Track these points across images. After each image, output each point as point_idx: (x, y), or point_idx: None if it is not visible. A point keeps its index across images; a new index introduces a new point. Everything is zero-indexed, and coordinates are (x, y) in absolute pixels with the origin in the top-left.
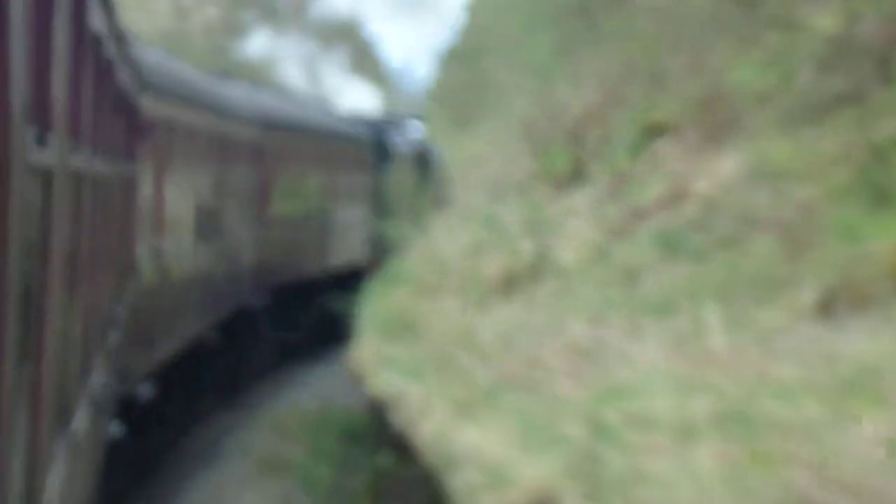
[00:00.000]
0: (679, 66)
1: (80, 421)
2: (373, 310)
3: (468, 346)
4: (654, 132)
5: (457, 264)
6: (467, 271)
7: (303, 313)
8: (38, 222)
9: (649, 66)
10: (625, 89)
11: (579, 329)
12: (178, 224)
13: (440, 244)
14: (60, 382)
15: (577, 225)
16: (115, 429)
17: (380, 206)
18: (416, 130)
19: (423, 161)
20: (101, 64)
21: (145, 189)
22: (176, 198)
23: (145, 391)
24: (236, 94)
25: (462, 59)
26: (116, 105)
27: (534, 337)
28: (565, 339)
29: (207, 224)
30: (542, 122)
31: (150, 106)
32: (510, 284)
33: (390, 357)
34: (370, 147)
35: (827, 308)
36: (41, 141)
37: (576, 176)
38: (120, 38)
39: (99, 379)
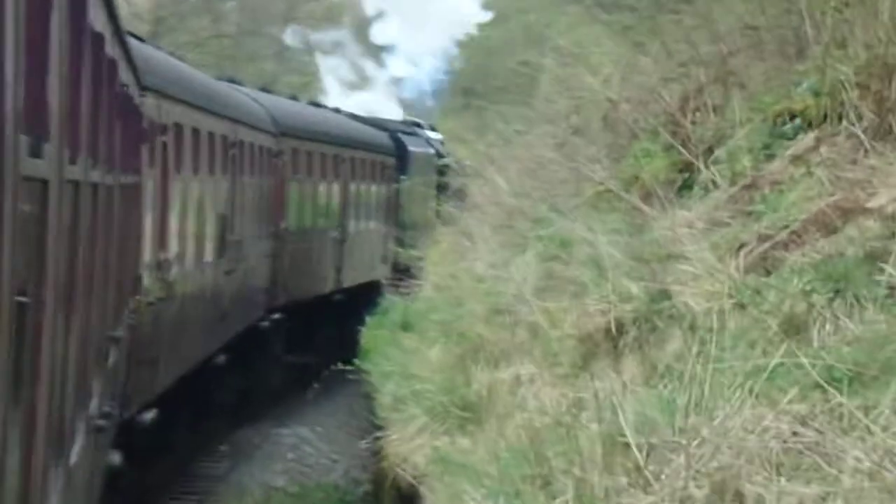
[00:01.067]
0: (827, 29)
1: (78, 449)
2: (401, 372)
3: (585, 444)
4: (794, 122)
5: (523, 309)
6: (543, 320)
7: (316, 335)
8: (33, 236)
9: (781, 31)
10: (746, 63)
11: (771, 423)
12: (185, 237)
13: (486, 275)
14: (57, 407)
15: (696, 253)
16: (114, 457)
17: (398, 215)
18: (431, 136)
19: (440, 167)
20: (101, 64)
21: (150, 199)
22: (184, 208)
23: (147, 417)
24: (248, 96)
25: (482, 48)
26: (118, 108)
27: (687, 429)
28: (746, 440)
29: (218, 237)
30: (623, 110)
31: (154, 109)
32: (614, 341)
33: (458, 459)
34: (388, 153)
35: None
36: (36, 151)
37: (679, 182)
38: (121, 36)
39: (98, 404)
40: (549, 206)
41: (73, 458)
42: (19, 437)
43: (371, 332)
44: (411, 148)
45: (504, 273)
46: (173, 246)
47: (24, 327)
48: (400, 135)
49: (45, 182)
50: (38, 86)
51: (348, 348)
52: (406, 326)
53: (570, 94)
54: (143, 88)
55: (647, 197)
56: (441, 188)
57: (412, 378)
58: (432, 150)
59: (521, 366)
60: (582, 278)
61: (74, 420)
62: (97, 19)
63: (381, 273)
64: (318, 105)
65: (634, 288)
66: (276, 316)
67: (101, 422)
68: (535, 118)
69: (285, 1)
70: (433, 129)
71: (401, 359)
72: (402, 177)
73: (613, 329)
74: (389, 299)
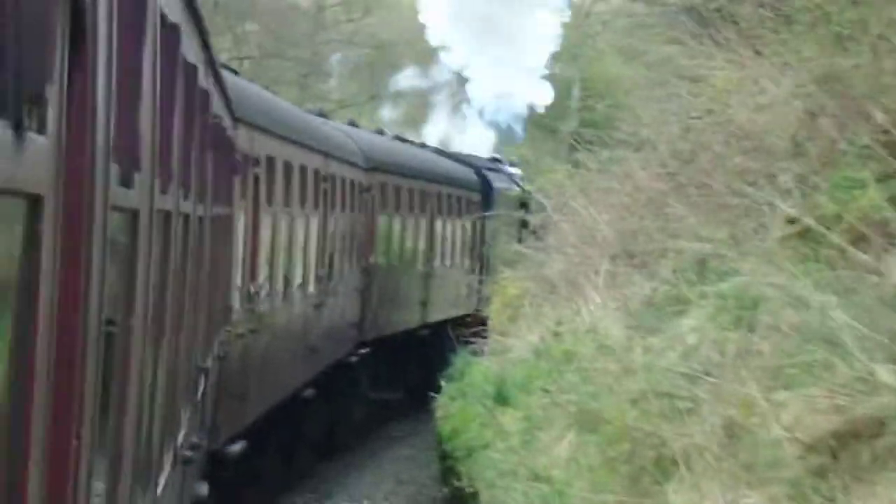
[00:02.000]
0: None
1: (164, 479)
2: (527, 474)
3: None
4: None
5: (705, 396)
6: (745, 415)
7: (403, 371)
8: (123, 266)
9: None
10: None
11: None
12: (275, 269)
13: (622, 339)
14: (144, 437)
15: None
16: (202, 489)
17: (482, 251)
18: (512, 171)
19: (522, 202)
20: (193, 96)
21: (241, 231)
22: (274, 241)
23: (237, 449)
24: (338, 130)
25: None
26: (210, 140)
27: None
28: None
29: (308, 271)
30: (823, 126)
31: (247, 141)
32: (862, 452)
33: None
34: (473, 189)
35: None
36: (126, 181)
37: None
38: (214, 68)
39: (187, 435)
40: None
41: (160, 488)
42: (106, 466)
43: (451, 401)
44: (496, 184)
45: (661, 340)
46: (263, 278)
47: (112, 356)
48: (484, 171)
49: (135, 212)
50: (130, 115)
51: (433, 386)
52: (502, 399)
53: (684, 116)
54: (236, 120)
55: (856, 242)
56: (523, 224)
57: (541, 480)
58: (515, 187)
59: (725, 484)
60: (796, 354)
61: (162, 450)
62: (190, 50)
63: (466, 309)
64: (403, 140)
65: (885, 374)
66: (364, 351)
67: (189, 453)
68: (626, 142)
69: (309, 23)
70: (513, 165)
71: (503, 442)
72: (487, 211)
73: (851, 432)
74: (464, 357)
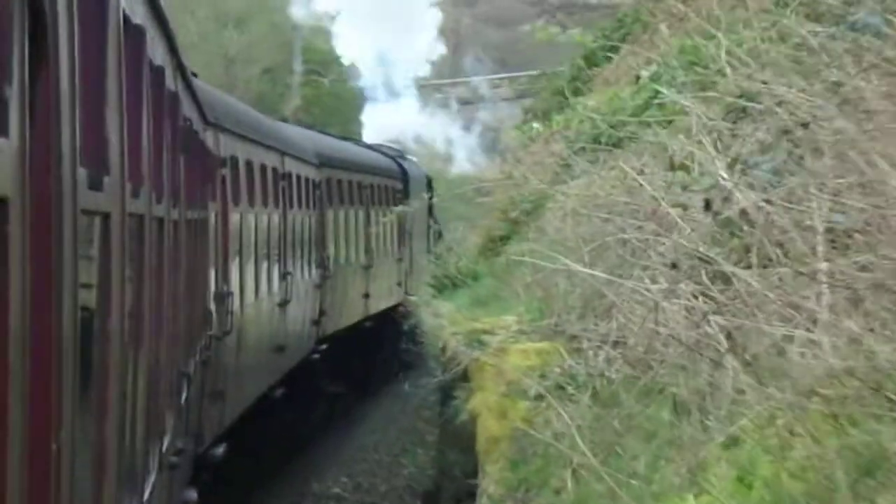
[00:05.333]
0: None
1: (152, 485)
2: None
3: None
4: None
5: None
6: None
7: (353, 362)
8: (96, 270)
9: None
10: None
11: None
12: (246, 270)
13: None
14: (128, 443)
15: None
16: (191, 494)
17: (406, 239)
18: (414, 158)
19: (428, 187)
20: (162, 98)
21: (212, 232)
22: (243, 241)
23: (220, 451)
24: (291, 128)
25: None
26: (182, 143)
27: None
28: None
29: (274, 269)
30: None
31: (213, 143)
32: None
33: None
34: (396, 178)
35: None
36: (96, 184)
37: None
38: (183, 71)
39: (172, 440)
40: None
41: (147, 494)
42: (90, 472)
43: None
44: (411, 171)
45: None
46: (234, 278)
47: (90, 360)
48: (399, 159)
49: (106, 215)
50: (97, 117)
51: (380, 375)
52: None
53: None
54: (206, 123)
55: None
56: (430, 210)
57: None
58: (423, 171)
59: None
60: None
61: (147, 456)
62: (157, 53)
63: (397, 299)
64: (327, 133)
65: None
66: (323, 347)
67: (175, 458)
68: None
69: None
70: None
71: None
72: (406, 198)
73: None
74: None
